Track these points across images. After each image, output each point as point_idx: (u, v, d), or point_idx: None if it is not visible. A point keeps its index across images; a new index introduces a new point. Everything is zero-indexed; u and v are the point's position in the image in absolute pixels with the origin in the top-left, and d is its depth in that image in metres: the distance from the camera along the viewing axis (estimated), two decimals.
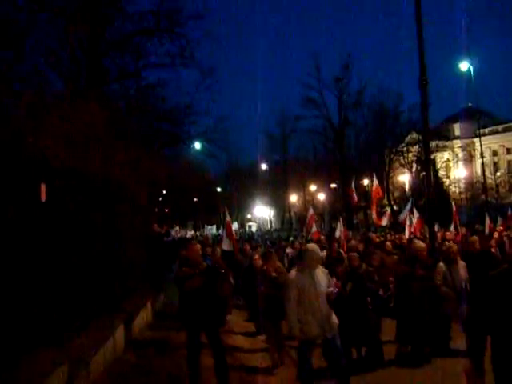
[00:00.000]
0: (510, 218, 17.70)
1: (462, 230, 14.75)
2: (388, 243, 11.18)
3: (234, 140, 68.91)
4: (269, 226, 57.54)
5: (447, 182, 44.68)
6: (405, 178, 44.11)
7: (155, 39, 14.98)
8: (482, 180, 33.72)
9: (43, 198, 5.08)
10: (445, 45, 65.48)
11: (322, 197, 46.86)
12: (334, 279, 6.03)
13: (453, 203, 16.12)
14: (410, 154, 42.27)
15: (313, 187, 47.94)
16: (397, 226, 23.14)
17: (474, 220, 25.73)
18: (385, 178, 41.54)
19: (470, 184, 45.13)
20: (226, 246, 11.93)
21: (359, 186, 34.40)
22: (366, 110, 43.37)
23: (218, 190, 55.03)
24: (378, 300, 7.01)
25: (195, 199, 44.82)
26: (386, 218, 19.09)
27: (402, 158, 43.26)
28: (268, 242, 23.25)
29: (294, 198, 52.94)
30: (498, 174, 48.94)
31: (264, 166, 50.91)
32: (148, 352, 7.41)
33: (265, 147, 50.52)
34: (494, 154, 52.32)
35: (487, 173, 38.09)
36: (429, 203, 10.51)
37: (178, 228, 34.41)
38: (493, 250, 10.08)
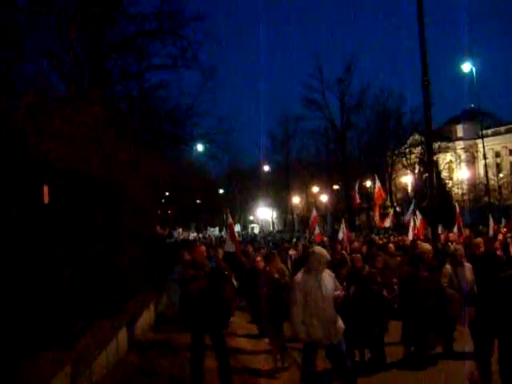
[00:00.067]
0: None
1: (466, 232, 14.70)
2: (391, 245, 11.13)
3: (235, 141, 68.96)
4: (271, 228, 57.54)
5: (450, 183, 44.63)
6: (407, 180, 43.99)
7: (157, 41, 15.08)
8: (485, 181, 33.68)
9: (46, 199, 5.05)
10: (447, 46, 65.60)
11: (324, 198, 46.79)
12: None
13: (456, 205, 16.08)
14: (413, 156, 42.18)
15: (315, 189, 47.87)
16: (399, 227, 23.13)
17: (476, 221, 25.66)
18: (387, 180, 41.50)
19: (473, 185, 45.08)
20: (228, 247, 11.93)
21: (362, 188, 34.34)
22: (368, 111, 43.30)
23: (221, 191, 55.02)
24: (382, 301, 6.99)
25: (198, 201, 44.78)
26: (389, 220, 19.08)
27: (404, 159, 43.18)
28: (271, 244, 23.19)
29: (296, 199, 52.85)
30: (501, 175, 48.87)
31: (266, 168, 50.96)
32: (151, 353, 7.40)
33: (267, 149, 50.62)
34: (497, 155, 52.25)
35: (490, 174, 38.08)
36: (431, 205, 10.49)
37: (181, 230, 34.33)
38: (498, 252, 10.02)
